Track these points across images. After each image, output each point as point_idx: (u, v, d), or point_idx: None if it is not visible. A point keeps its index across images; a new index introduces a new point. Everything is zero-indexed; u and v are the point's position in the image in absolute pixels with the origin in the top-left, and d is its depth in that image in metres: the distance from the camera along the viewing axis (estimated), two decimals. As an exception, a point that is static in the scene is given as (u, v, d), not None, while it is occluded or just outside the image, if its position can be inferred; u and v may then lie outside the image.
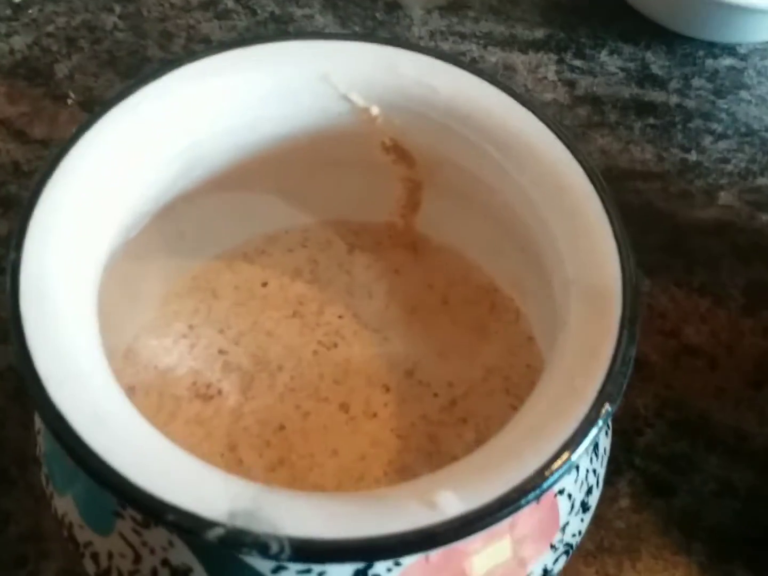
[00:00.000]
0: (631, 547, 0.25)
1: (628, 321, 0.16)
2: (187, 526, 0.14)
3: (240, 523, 0.14)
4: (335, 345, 0.25)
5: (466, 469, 0.16)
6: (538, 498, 0.15)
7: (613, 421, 0.27)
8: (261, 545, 0.14)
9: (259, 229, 0.26)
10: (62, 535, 0.20)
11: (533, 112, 0.19)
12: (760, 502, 0.26)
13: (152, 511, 0.14)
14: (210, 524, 0.14)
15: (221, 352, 0.25)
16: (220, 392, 0.24)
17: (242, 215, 0.25)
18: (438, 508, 0.15)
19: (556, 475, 0.15)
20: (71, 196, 0.18)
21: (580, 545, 0.25)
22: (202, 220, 0.25)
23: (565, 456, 0.15)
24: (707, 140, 0.35)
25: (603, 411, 0.16)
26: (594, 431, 0.16)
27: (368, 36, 0.21)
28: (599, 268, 0.17)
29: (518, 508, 0.15)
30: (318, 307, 0.26)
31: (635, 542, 0.25)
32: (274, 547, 0.14)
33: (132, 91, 0.20)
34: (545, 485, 0.15)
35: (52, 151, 0.20)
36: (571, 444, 0.15)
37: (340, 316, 0.25)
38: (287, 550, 0.14)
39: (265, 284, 0.26)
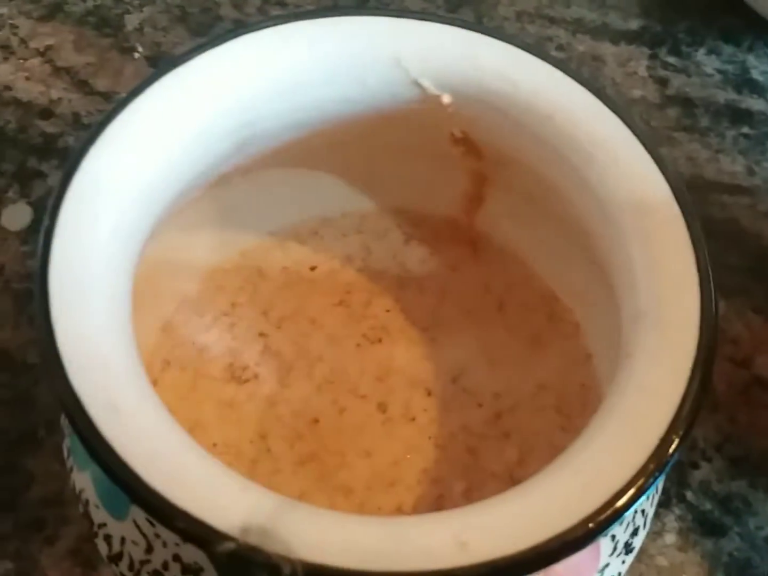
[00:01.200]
0: (673, 588, 0.24)
1: (702, 366, 0.15)
2: (197, 535, 0.13)
3: (253, 539, 0.13)
4: (380, 340, 0.24)
5: (504, 507, 0.14)
6: (582, 547, 0.14)
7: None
8: (272, 566, 0.13)
9: (314, 209, 0.25)
10: (78, 510, 0.20)
11: (624, 120, 0.17)
12: (818, 557, 0.24)
13: (161, 515, 0.14)
14: (221, 537, 0.13)
15: (262, 335, 0.24)
16: (256, 377, 0.23)
17: (298, 194, 0.24)
18: (468, 550, 0.13)
19: (602, 528, 0.14)
20: (117, 161, 0.17)
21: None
22: (257, 195, 0.24)
23: (615, 508, 0.14)
24: (804, 155, 0.32)
25: (663, 462, 0.14)
26: (651, 484, 0.14)
27: (449, 18, 0.19)
28: (676, 304, 0.15)
29: (555, 559, 0.14)
30: (366, 298, 0.24)
31: (677, 583, 0.24)
32: (286, 570, 0.13)
33: (198, 53, 0.19)
34: (589, 537, 0.14)
35: (105, 111, 0.19)
36: (623, 495, 0.14)
37: (387, 310, 0.24)
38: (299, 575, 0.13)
39: (314, 268, 0.25)
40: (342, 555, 0.13)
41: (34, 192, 0.29)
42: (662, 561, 0.24)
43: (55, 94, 0.32)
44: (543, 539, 0.14)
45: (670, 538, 0.25)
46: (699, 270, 0.16)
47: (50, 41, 0.33)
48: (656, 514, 0.25)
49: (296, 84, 0.20)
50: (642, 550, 0.24)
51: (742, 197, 0.31)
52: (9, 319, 0.27)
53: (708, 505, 0.25)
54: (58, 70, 0.32)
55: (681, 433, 0.15)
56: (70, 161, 0.17)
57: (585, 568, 0.17)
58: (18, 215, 0.29)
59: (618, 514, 0.14)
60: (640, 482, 0.14)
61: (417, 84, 0.19)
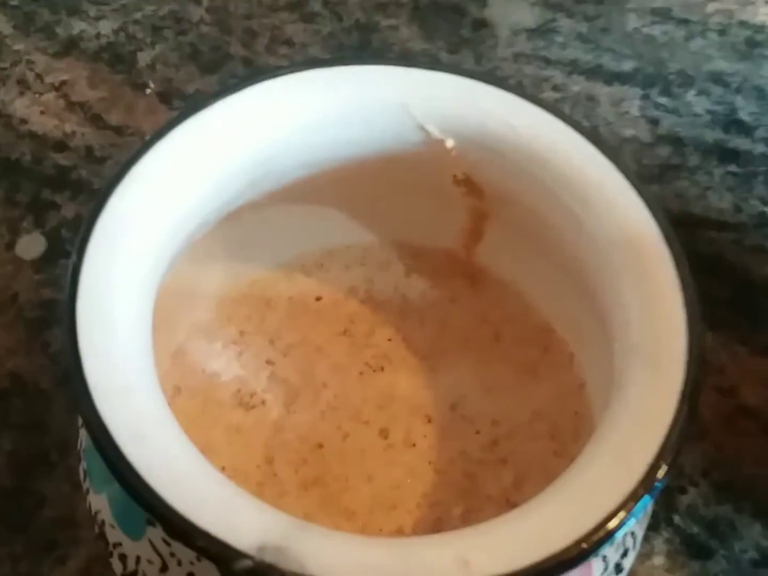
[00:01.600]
0: (662, 609, 0.25)
1: (688, 398, 0.16)
2: (216, 553, 0.14)
3: (269, 557, 0.14)
4: (382, 368, 0.25)
5: (502, 529, 0.15)
6: (573, 568, 0.15)
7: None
8: (286, 584, 0.14)
9: (319, 242, 0.26)
10: (94, 531, 0.20)
11: (615, 164, 0.19)
12: (801, 581, 0.25)
13: (181, 534, 0.14)
14: (239, 555, 0.14)
15: (269, 362, 0.25)
16: (263, 403, 0.24)
17: (304, 228, 0.25)
18: (470, 569, 0.14)
19: (594, 548, 0.15)
20: (142, 201, 0.19)
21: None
22: (265, 229, 0.25)
23: (606, 530, 0.15)
24: (789, 194, 0.34)
25: (651, 487, 0.15)
26: (640, 508, 0.15)
27: (452, 67, 0.21)
28: (666, 339, 0.17)
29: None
30: (369, 328, 0.25)
31: (666, 605, 0.25)
32: (299, 588, 0.14)
33: (219, 98, 0.20)
34: (582, 557, 0.15)
35: (133, 144, 0.20)
36: (614, 517, 0.15)
37: (389, 339, 0.25)
38: (312, 593, 0.14)
39: (319, 299, 0.26)
40: (352, 573, 0.14)
41: (48, 222, 0.30)
42: (652, 584, 0.25)
43: (69, 127, 0.33)
44: (539, 558, 0.15)
45: (658, 560, 0.25)
46: (687, 307, 0.17)
47: (65, 77, 0.34)
48: (645, 537, 0.26)
49: (309, 127, 0.21)
50: (632, 572, 0.25)
51: (729, 233, 0.32)
52: (22, 346, 0.28)
53: (695, 529, 0.26)
54: (72, 105, 0.34)
55: (668, 460, 0.16)
56: (97, 200, 0.18)
57: (578, 587, 0.18)
58: (32, 245, 0.30)
59: (609, 536, 0.15)
60: (629, 506, 0.15)
61: (422, 129, 0.20)
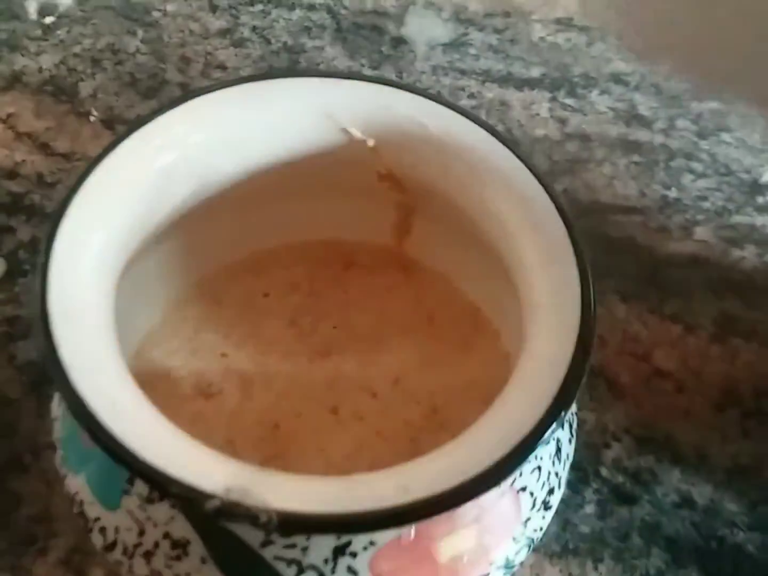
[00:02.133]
0: (594, 550, 0.27)
1: (584, 338, 0.19)
2: (188, 497, 0.17)
3: (234, 497, 0.16)
4: (329, 354, 0.27)
5: (435, 462, 0.18)
6: (497, 484, 0.18)
7: (583, 434, 0.29)
8: (251, 517, 0.16)
9: (262, 244, 0.28)
10: (73, 511, 0.22)
11: (514, 152, 0.22)
12: (716, 516, 0.28)
13: (159, 484, 0.17)
14: (208, 497, 0.16)
15: (223, 355, 0.27)
16: (221, 392, 0.26)
17: (247, 231, 0.28)
18: (408, 492, 0.17)
19: (513, 468, 0.17)
20: (95, 208, 0.21)
21: (546, 544, 0.27)
22: (210, 234, 0.27)
23: (523, 451, 0.18)
24: (688, 179, 0.37)
25: (558, 414, 0.18)
26: (548, 432, 0.18)
27: (369, 76, 0.23)
28: (563, 295, 0.19)
29: (479, 493, 0.17)
30: (314, 319, 0.28)
31: (598, 546, 0.27)
32: (263, 518, 0.16)
33: (156, 115, 0.22)
34: (504, 476, 0.17)
35: (80, 167, 0.22)
36: (530, 440, 0.18)
37: (334, 327, 0.28)
38: (274, 522, 0.16)
39: (266, 295, 0.28)
40: (308, 503, 0.17)
41: (5, 245, 0.32)
42: (585, 528, 0.28)
43: (18, 156, 0.35)
44: (466, 479, 0.17)
45: (590, 508, 0.28)
46: (579, 268, 0.20)
47: (11, 109, 0.36)
48: (577, 490, 0.28)
49: (243, 136, 0.23)
50: (566, 521, 0.28)
51: (635, 216, 0.36)
52: (-11, 360, 0.30)
53: (620, 479, 0.29)
54: (20, 135, 0.36)
55: (569, 393, 0.18)
56: (56, 209, 0.20)
57: (509, 519, 0.21)
58: (-8, 267, 0.32)
59: (524, 454, 0.17)
60: (542, 429, 0.18)
61: (346, 131, 0.23)
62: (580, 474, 0.29)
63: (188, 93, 0.23)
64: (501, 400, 0.19)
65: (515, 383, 0.19)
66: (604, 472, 0.29)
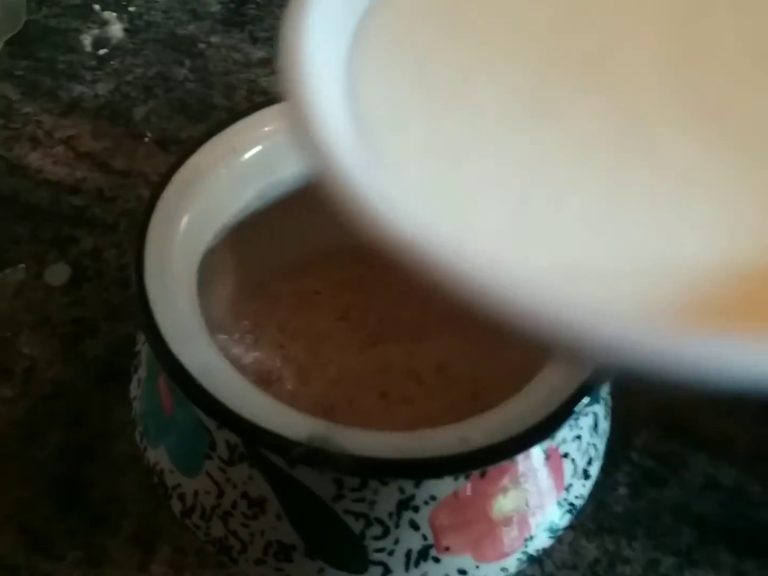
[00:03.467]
0: (628, 528, 0.29)
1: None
2: (277, 445, 0.19)
3: (317, 444, 0.19)
4: (376, 344, 0.29)
5: (490, 418, 0.20)
6: (545, 437, 0.20)
7: (613, 420, 0.31)
8: (333, 461, 0.18)
9: (315, 245, 0.31)
10: (152, 481, 0.24)
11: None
12: (741, 496, 0.30)
13: (251, 435, 0.19)
14: (294, 444, 0.19)
15: (280, 346, 0.29)
16: (280, 378, 0.28)
17: (301, 232, 0.30)
18: (468, 443, 0.19)
19: (561, 422, 0.20)
20: (180, 206, 0.23)
21: (582, 523, 0.29)
22: (269, 237, 0.29)
23: (568, 408, 0.20)
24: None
25: (595, 381, 0.20)
26: (587, 396, 0.20)
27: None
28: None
29: (532, 443, 0.19)
30: (362, 313, 0.30)
31: (631, 524, 0.29)
32: (343, 463, 0.18)
33: (230, 123, 0.25)
34: (553, 429, 0.19)
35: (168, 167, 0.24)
36: (571, 403, 0.20)
37: (380, 320, 0.30)
38: (353, 465, 0.18)
39: (318, 293, 0.30)
40: (380, 450, 0.19)
41: (70, 254, 0.35)
42: (618, 508, 0.30)
43: (80, 174, 0.38)
44: (519, 431, 0.19)
45: (622, 490, 0.30)
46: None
47: (71, 132, 0.39)
48: (609, 473, 0.30)
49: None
50: (601, 501, 0.30)
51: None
52: (59, 356, 0.32)
53: (650, 463, 0.31)
54: (80, 155, 0.38)
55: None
56: (147, 206, 0.23)
57: (555, 483, 0.23)
58: (58, 273, 0.34)
59: (568, 414, 0.20)
60: (581, 394, 0.20)
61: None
62: (613, 458, 0.30)
63: (263, 102, 0.25)
64: (546, 370, 0.21)
65: (557, 360, 0.21)
66: (634, 456, 0.31)
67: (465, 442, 0.19)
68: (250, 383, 0.20)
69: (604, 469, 0.27)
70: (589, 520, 0.29)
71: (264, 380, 0.28)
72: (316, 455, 0.18)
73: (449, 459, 0.19)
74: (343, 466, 0.18)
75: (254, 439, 0.19)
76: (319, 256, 0.31)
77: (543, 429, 0.19)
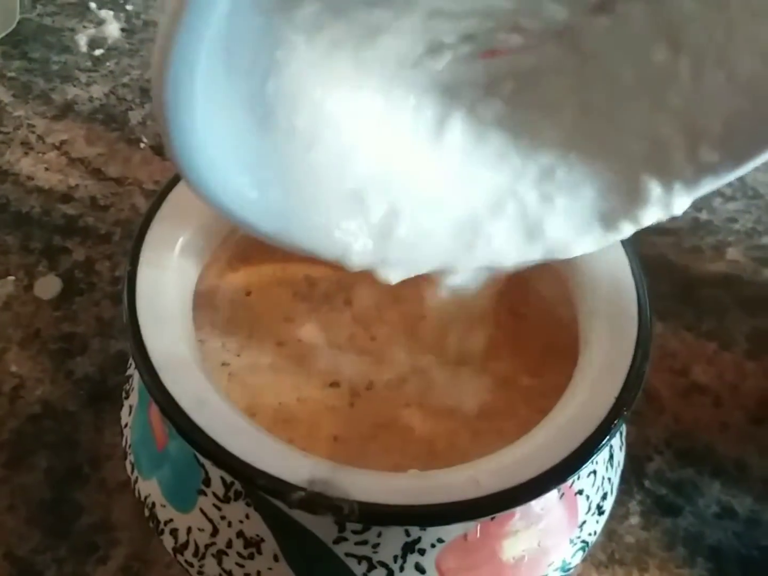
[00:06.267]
0: (640, 559, 0.28)
1: (642, 342, 0.20)
2: (275, 489, 0.17)
3: (317, 489, 0.17)
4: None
5: (505, 457, 0.19)
6: (562, 481, 0.18)
7: (627, 447, 0.29)
8: (335, 507, 0.17)
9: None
10: (143, 515, 0.23)
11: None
12: (757, 526, 0.29)
13: (247, 476, 0.18)
14: (293, 488, 0.17)
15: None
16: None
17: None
18: (480, 486, 0.18)
19: (579, 465, 0.18)
20: (172, 227, 0.22)
21: (593, 554, 0.28)
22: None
23: (588, 450, 0.18)
24: (717, 201, 0.39)
25: (620, 414, 0.19)
26: (610, 434, 0.19)
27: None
28: (619, 304, 0.20)
29: (548, 489, 0.18)
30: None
31: (643, 555, 0.28)
32: (345, 509, 0.17)
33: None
34: (571, 473, 0.18)
35: (158, 192, 0.23)
36: (594, 439, 0.18)
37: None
38: (356, 512, 0.17)
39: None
40: (387, 496, 0.17)
41: (61, 265, 0.34)
42: (630, 539, 0.28)
43: (72, 181, 0.36)
44: (535, 475, 0.18)
45: (634, 519, 0.29)
46: (634, 276, 0.21)
47: (64, 137, 0.38)
48: (621, 502, 0.29)
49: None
50: (612, 531, 0.28)
51: (668, 237, 0.37)
52: (48, 374, 0.31)
53: (663, 491, 0.30)
54: (73, 161, 0.37)
55: (630, 395, 0.19)
56: (142, 223, 0.21)
57: (568, 521, 0.22)
58: (49, 286, 0.33)
59: (589, 454, 0.18)
60: (604, 431, 0.19)
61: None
62: (625, 486, 0.29)
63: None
64: (564, 401, 0.20)
65: (577, 387, 0.20)
66: (647, 484, 0.30)
67: (476, 485, 0.18)
68: (247, 419, 0.19)
69: (615, 498, 0.26)
70: (600, 550, 0.28)
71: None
72: (316, 501, 0.17)
73: (459, 505, 0.17)
74: (346, 513, 0.17)
75: (250, 482, 0.18)
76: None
77: (561, 472, 0.18)
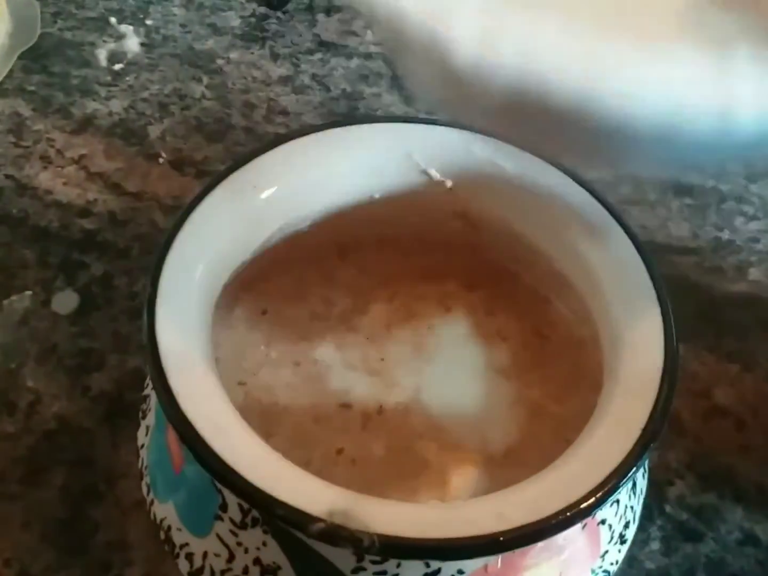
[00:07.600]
0: (661, 587, 0.27)
1: (669, 373, 0.19)
2: (294, 520, 0.17)
3: (338, 520, 0.17)
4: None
5: (529, 489, 0.18)
6: (588, 515, 0.18)
7: (648, 470, 0.29)
8: (354, 540, 0.17)
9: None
10: (159, 537, 0.23)
11: (591, 193, 0.22)
12: (781, 554, 0.28)
13: (265, 506, 0.17)
14: (313, 519, 0.17)
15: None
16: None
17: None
18: (504, 519, 0.17)
19: (606, 498, 0.18)
20: (198, 241, 0.22)
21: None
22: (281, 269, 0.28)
23: (615, 482, 0.18)
24: (739, 221, 0.38)
25: (647, 445, 0.19)
26: (636, 466, 0.18)
27: (446, 121, 0.24)
28: (644, 328, 0.20)
29: (573, 523, 0.18)
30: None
31: (664, 583, 0.28)
32: (366, 542, 0.17)
33: (251, 159, 0.23)
34: (597, 506, 0.18)
35: (180, 213, 0.23)
36: (621, 471, 0.18)
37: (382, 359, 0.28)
38: (376, 545, 0.17)
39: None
40: (408, 528, 0.17)
41: (79, 280, 0.33)
42: (650, 565, 0.28)
43: (91, 195, 0.36)
44: (560, 508, 0.18)
45: (655, 545, 0.28)
46: (659, 300, 0.21)
47: (83, 151, 0.38)
48: (642, 527, 0.29)
49: (328, 175, 0.24)
50: (632, 557, 0.28)
51: (689, 257, 0.36)
52: (64, 390, 0.30)
53: (685, 516, 0.29)
54: (92, 176, 0.37)
55: (655, 426, 0.19)
56: (162, 247, 0.21)
57: (590, 551, 0.21)
58: (66, 301, 0.33)
59: (614, 488, 0.18)
60: (629, 463, 0.18)
61: (425, 173, 0.24)
62: (645, 511, 0.29)
63: (281, 136, 0.24)
64: (589, 431, 0.20)
65: (603, 417, 0.20)
66: (668, 509, 0.29)
67: (501, 518, 0.17)
68: (266, 445, 0.19)
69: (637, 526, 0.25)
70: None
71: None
72: (336, 533, 0.17)
73: (481, 539, 0.17)
74: (366, 546, 0.17)
75: (269, 511, 0.17)
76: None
77: (587, 506, 0.18)
